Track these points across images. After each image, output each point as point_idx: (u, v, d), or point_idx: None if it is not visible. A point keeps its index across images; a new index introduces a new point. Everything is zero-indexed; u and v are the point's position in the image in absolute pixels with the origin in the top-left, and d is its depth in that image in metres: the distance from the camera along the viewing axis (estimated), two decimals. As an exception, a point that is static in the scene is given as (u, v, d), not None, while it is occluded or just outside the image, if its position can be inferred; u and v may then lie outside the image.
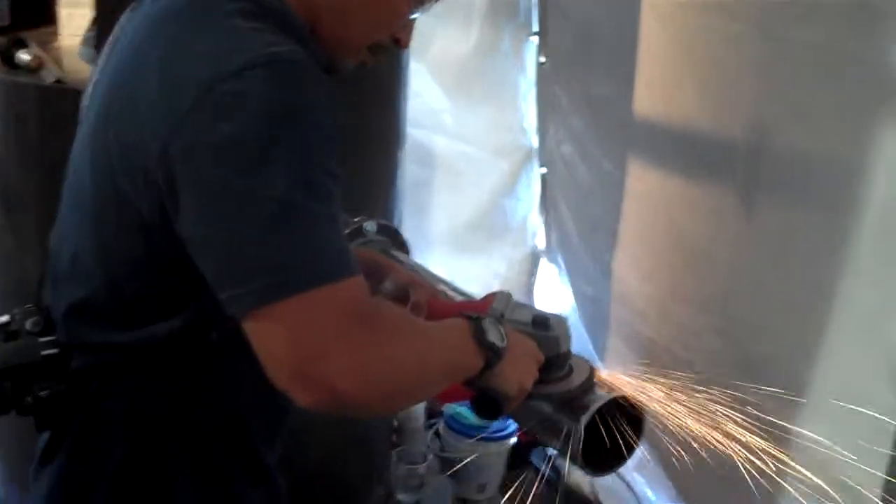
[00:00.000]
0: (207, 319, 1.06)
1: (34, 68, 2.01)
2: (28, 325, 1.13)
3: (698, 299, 2.14)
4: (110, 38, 1.18)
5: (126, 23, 1.15)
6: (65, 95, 1.83)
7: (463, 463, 2.21)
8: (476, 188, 2.99)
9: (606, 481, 2.37)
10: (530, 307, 1.28)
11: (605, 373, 1.27)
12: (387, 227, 1.56)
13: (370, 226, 1.52)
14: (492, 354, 1.10)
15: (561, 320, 1.25)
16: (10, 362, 1.09)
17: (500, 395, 1.15)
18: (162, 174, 0.95)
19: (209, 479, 1.14)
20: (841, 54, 1.65)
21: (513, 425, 2.32)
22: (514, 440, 2.36)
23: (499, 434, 2.34)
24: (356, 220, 1.51)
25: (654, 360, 2.31)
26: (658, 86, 2.25)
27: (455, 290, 1.43)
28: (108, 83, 1.09)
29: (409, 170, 2.65)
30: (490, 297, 1.26)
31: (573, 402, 1.21)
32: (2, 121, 1.99)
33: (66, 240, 1.14)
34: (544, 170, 2.98)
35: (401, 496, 2.31)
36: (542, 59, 2.86)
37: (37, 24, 2.25)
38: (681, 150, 2.16)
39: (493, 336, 1.10)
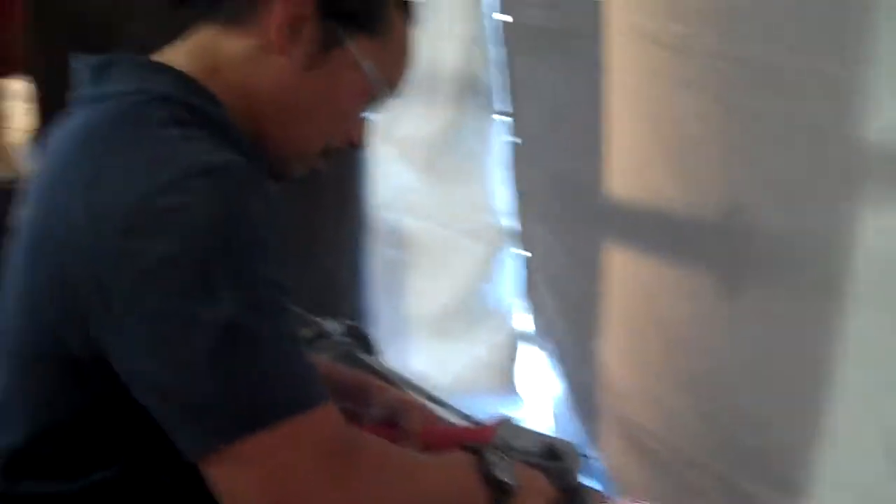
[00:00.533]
0: (157, 461, 0.95)
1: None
2: None
3: (683, 383, 2.04)
4: (43, 148, 1.06)
5: (56, 132, 1.04)
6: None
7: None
8: (452, 271, 2.91)
9: None
10: (535, 432, 1.18)
11: None
12: (353, 328, 1.47)
13: (333, 327, 1.43)
14: (501, 493, 0.99)
15: (570, 447, 1.16)
16: None
17: None
18: (96, 304, 0.86)
19: None
20: (812, 128, 1.59)
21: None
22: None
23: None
24: (318, 320, 1.41)
25: (643, 447, 2.21)
26: (628, 164, 2.19)
27: (438, 402, 1.33)
28: (36, 207, 0.98)
29: (383, 253, 2.58)
30: (492, 425, 1.16)
31: None
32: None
33: None
34: (524, 252, 2.90)
35: None
36: (515, 139, 2.80)
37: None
38: (654, 229, 2.09)
39: (502, 472, 0.99)
